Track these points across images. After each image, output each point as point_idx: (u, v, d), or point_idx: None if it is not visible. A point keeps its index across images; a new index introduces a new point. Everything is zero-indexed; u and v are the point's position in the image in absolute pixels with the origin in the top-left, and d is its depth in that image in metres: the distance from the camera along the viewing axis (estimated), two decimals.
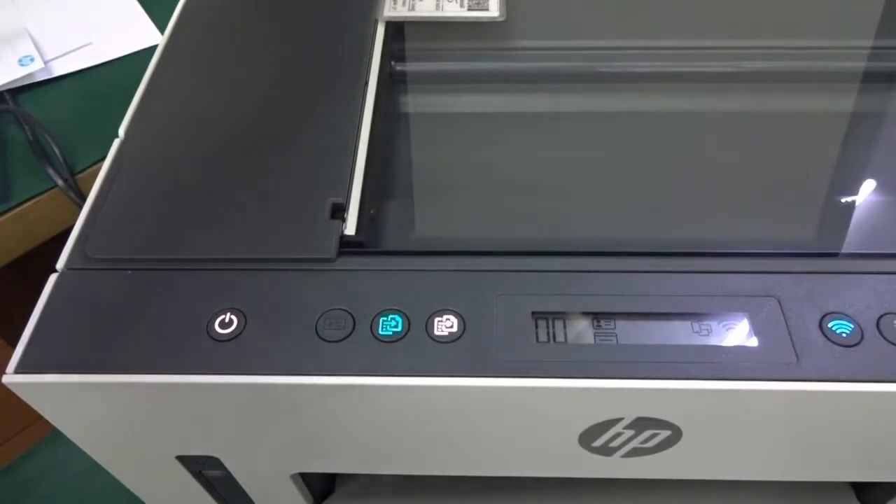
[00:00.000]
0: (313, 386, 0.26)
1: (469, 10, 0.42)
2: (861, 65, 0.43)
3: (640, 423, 0.28)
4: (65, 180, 0.49)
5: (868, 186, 0.36)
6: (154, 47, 0.55)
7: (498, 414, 0.28)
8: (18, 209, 0.48)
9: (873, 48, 0.43)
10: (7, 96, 0.52)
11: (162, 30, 0.57)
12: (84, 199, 0.48)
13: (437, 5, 0.42)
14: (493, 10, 0.41)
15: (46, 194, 0.48)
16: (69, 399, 0.28)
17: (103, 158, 0.49)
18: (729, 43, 0.43)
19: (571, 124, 0.40)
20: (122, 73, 0.54)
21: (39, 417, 0.29)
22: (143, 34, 0.57)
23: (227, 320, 0.28)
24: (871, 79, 0.42)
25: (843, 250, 0.32)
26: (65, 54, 0.54)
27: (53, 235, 0.50)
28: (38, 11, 0.58)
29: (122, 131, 0.35)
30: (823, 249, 0.33)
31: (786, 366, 0.26)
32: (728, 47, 0.43)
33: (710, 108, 0.42)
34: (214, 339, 0.27)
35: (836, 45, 0.43)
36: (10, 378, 0.26)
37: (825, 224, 0.35)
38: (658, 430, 0.28)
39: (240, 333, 0.27)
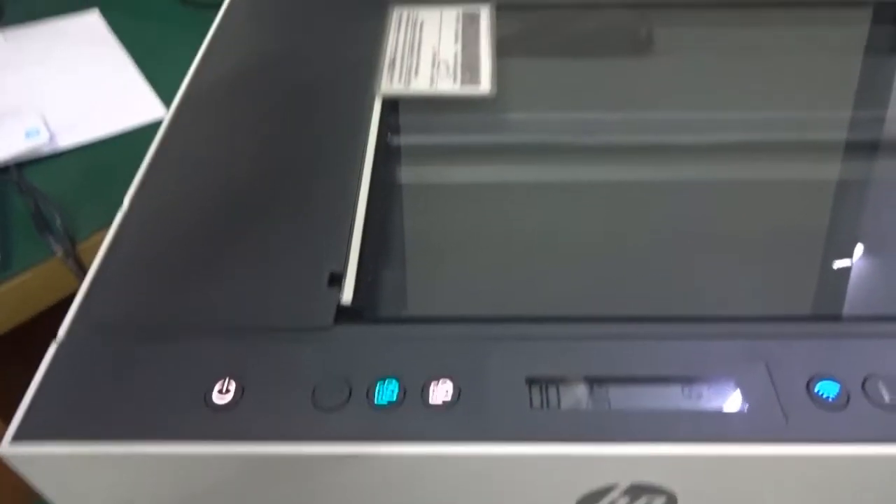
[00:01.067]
0: (310, 455, 0.27)
1: (462, 85, 0.44)
2: (842, 135, 0.44)
3: (635, 490, 0.28)
4: (64, 250, 0.49)
5: (851, 251, 0.38)
6: (157, 121, 0.57)
7: (493, 480, 0.28)
8: (18, 278, 0.48)
9: (853, 119, 0.45)
10: (12, 168, 0.53)
11: (165, 103, 0.59)
12: (83, 268, 0.49)
13: (432, 82, 0.44)
14: (485, 86, 0.43)
15: (46, 263, 0.49)
16: (66, 470, 0.28)
17: (103, 228, 0.50)
18: (714, 115, 0.45)
19: (562, 194, 0.42)
20: (124, 146, 0.56)
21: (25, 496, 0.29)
22: (147, 108, 0.58)
23: (224, 388, 0.28)
24: (853, 148, 0.44)
25: (828, 313, 0.33)
26: (70, 128, 0.56)
27: (51, 304, 0.50)
28: (46, 86, 0.60)
29: (126, 201, 0.36)
30: (809, 313, 0.34)
31: (775, 429, 0.27)
32: (713, 119, 0.45)
33: (697, 177, 0.43)
34: (212, 408, 0.27)
35: (818, 116, 0.45)
36: (6, 450, 0.27)
37: (810, 289, 0.36)
38: (654, 496, 0.28)
39: (238, 402, 0.28)
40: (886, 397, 0.27)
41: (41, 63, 0.62)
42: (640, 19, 0.52)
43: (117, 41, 0.66)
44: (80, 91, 0.60)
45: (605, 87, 0.49)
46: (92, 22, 0.68)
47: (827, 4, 0.52)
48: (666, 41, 0.52)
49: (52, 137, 0.55)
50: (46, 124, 0.56)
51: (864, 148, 0.44)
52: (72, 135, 0.56)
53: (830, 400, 0.27)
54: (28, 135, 0.55)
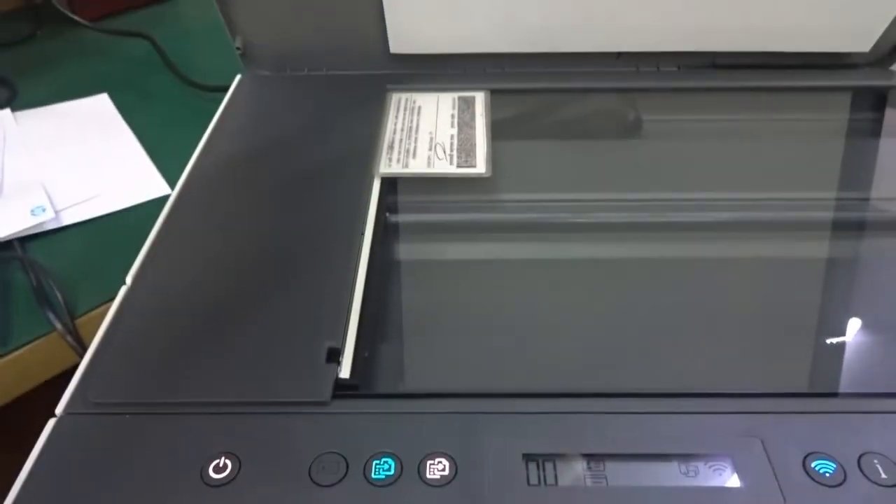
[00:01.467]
0: None
1: (458, 167, 0.45)
2: (835, 214, 0.46)
3: None
4: (64, 324, 0.50)
5: (846, 328, 0.38)
6: (161, 198, 0.58)
7: None
8: (15, 353, 0.48)
9: (843, 199, 0.47)
10: (16, 244, 0.54)
11: (170, 181, 0.61)
12: (82, 344, 0.49)
13: (429, 163, 0.46)
14: (480, 168, 0.45)
15: (44, 339, 0.49)
16: None
17: (103, 303, 0.50)
18: (706, 195, 0.47)
19: (556, 271, 0.43)
20: (127, 223, 0.57)
21: None
22: (151, 186, 0.60)
23: (221, 465, 0.28)
24: (844, 227, 0.45)
25: (823, 390, 0.33)
26: (76, 205, 0.57)
27: (48, 379, 0.50)
28: (55, 164, 0.62)
29: (129, 279, 0.37)
30: (804, 390, 0.34)
31: None
32: (706, 199, 0.47)
33: (690, 254, 0.44)
34: (209, 485, 0.27)
35: (811, 196, 0.47)
36: None
37: (806, 365, 0.36)
38: None
39: (234, 478, 0.27)
40: (883, 475, 0.27)
41: (50, 143, 0.64)
42: (629, 103, 0.55)
43: (125, 123, 0.68)
44: (87, 169, 0.61)
45: (596, 168, 0.50)
46: (101, 104, 0.71)
47: (809, 90, 0.54)
48: (654, 124, 0.54)
49: (57, 214, 0.56)
50: (52, 202, 0.57)
51: (855, 227, 0.46)
52: (77, 211, 0.57)
53: (827, 477, 0.27)
54: (34, 212, 0.56)
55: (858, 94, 0.55)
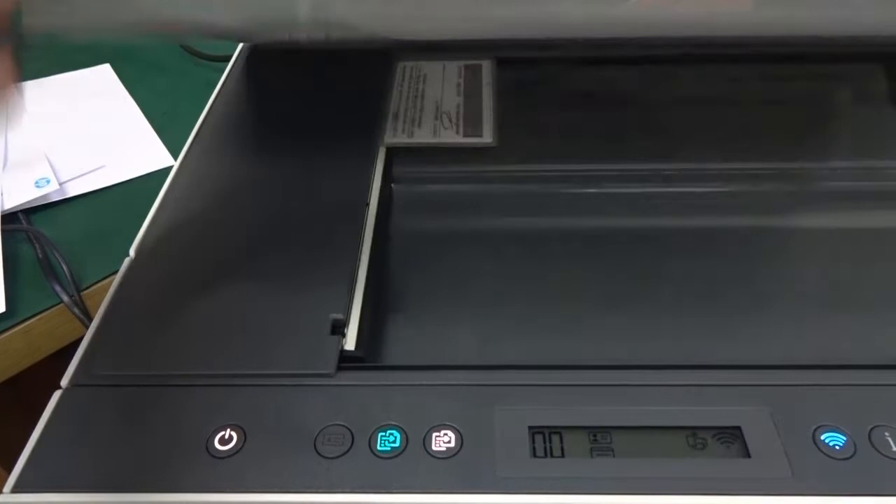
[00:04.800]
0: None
1: (464, 136, 0.44)
2: (850, 184, 0.45)
3: None
4: (70, 296, 0.50)
5: (855, 299, 0.38)
6: (164, 169, 0.58)
7: None
8: (22, 325, 0.48)
9: (857, 168, 0.46)
10: (21, 216, 0.54)
11: (173, 152, 0.60)
12: (88, 315, 0.49)
13: (435, 133, 0.45)
14: (487, 137, 0.44)
15: (51, 310, 0.49)
16: None
17: (109, 275, 0.50)
18: (715, 165, 0.46)
19: (563, 242, 0.42)
20: (131, 194, 0.57)
21: None
22: (155, 157, 0.59)
23: (226, 437, 0.28)
24: (853, 197, 0.44)
25: (834, 362, 0.32)
26: (79, 176, 0.57)
27: (55, 351, 0.50)
28: (56, 134, 0.61)
29: (132, 251, 0.37)
30: (812, 362, 0.34)
31: (782, 480, 0.26)
32: (712, 169, 0.46)
33: (699, 225, 0.44)
34: (214, 456, 0.27)
35: (819, 166, 0.46)
36: (6, 498, 0.26)
37: (814, 336, 0.36)
38: None
39: (239, 450, 0.27)
40: (895, 448, 0.27)
41: (54, 114, 0.64)
42: (640, 72, 0.53)
43: (128, 93, 0.67)
44: (91, 141, 0.61)
45: (605, 138, 0.49)
46: (103, 75, 0.70)
47: (836, 59, 0.53)
48: (665, 93, 0.53)
49: (61, 186, 0.56)
50: (56, 174, 0.57)
51: (868, 197, 0.45)
52: (81, 183, 0.57)
53: (837, 450, 0.27)
54: (38, 184, 0.55)
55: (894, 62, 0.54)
